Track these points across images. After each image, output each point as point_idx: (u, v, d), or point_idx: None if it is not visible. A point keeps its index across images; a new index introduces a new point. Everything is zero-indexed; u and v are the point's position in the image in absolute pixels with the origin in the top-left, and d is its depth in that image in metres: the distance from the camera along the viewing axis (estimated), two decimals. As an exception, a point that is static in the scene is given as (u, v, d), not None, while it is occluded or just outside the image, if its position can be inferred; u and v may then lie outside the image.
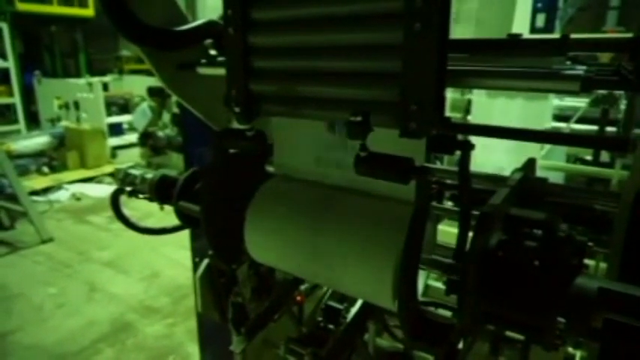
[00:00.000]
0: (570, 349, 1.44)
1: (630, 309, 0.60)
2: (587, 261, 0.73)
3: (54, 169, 6.78)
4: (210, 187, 0.99)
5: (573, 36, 0.70)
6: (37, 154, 6.84)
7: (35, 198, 5.60)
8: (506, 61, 0.76)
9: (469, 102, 3.00)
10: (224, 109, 0.92)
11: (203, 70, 1.17)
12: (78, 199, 6.05)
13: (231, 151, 0.98)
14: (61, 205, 5.83)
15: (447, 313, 0.98)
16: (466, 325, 0.74)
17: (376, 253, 0.76)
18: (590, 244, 0.72)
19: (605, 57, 2.43)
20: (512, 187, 0.78)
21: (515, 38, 0.76)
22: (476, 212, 0.78)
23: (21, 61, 9.10)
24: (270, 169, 1.01)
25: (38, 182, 6.26)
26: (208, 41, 1.19)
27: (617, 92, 2.51)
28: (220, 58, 1.17)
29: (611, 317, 0.60)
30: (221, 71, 0.98)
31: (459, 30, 2.56)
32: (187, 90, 1.30)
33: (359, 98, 0.74)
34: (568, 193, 0.90)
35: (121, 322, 3.36)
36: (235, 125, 0.96)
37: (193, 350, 2.80)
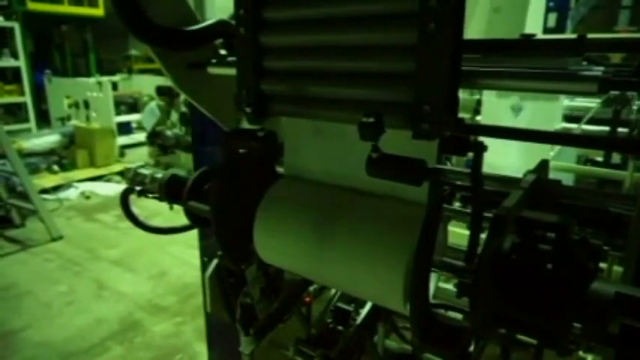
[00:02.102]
0: (581, 353, 1.43)
1: (648, 315, 0.58)
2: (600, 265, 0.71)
3: (64, 168, 6.83)
4: (220, 187, 0.99)
5: (590, 36, 0.69)
6: (48, 153, 6.90)
7: (45, 196, 5.65)
8: (520, 61, 0.75)
9: (478, 102, 2.98)
10: (234, 108, 0.92)
11: (213, 70, 1.17)
12: (87, 197, 6.10)
13: (241, 151, 0.98)
14: (70, 204, 5.88)
15: (458, 316, 0.97)
16: (477, 328, 0.73)
17: (387, 255, 0.75)
18: (605, 247, 0.71)
19: (616, 57, 2.39)
20: (525, 190, 0.77)
21: (530, 38, 0.75)
22: (488, 214, 0.77)
23: (32, 60, 9.19)
24: (280, 169, 1.01)
25: (48, 180, 6.31)
26: (219, 41, 1.19)
27: (630, 93, 2.47)
28: (231, 58, 1.17)
29: (628, 323, 0.59)
30: (231, 71, 0.98)
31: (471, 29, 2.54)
32: (197, 90, 1.30)
33: (371, 99, 0.73)
34: (582, 195, 0.89)
35: (129, 320, 3.38)
36: (245, 125, 0.96)
37: (201, 349, 2.80)
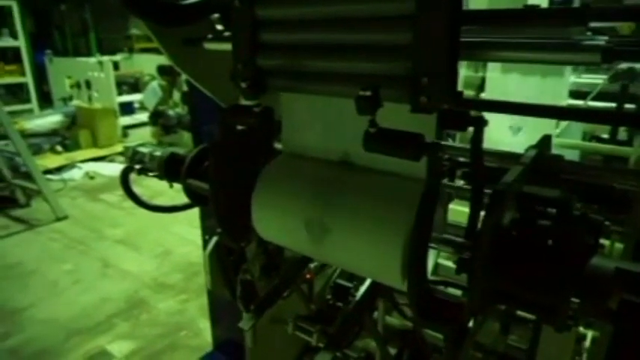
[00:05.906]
0: (582, 329, 1.43)
1: (647, 290, 0.58)
2: (602, 241, 0.71)
3: (67, 148, 6.83)
4: (218, 164, 0.98)
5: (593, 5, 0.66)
6: (50, 133, 6.89)
7: (49, 176, 5.67)
8: (523, 32, 0.72)
9: (483, 79, 2.93)
10: (232, 85, 0.91)
11: (210, 46, 1.14)
12: (91, 177, 6.12)
13: (239, 127, 0.97)
14: (74, 184, 5.91)
15: (458, 292, 0.98)
16: (476, 304, 0.72)
17: (385, 231, 0.75)
18: (606, 223, 0.70)
19: (624, 30, 2.33)
20: (526, 165, 0.76)
21: (533, 8, 0.72)
22: (488, 191, 0.76)
23: (32, 40, 9.09)
24: (278, 146, 1.00)
25: (52, 161, 6.33)
26: (215, 16, 1.16)
27: (638, 67, 2.42)
28: (227, 33, 1.14)
29: (627, 298, 0.59)
30: (228, 46, 0.96)
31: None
32: (195, 67, 1.28)
33: (368, 72, 0.72)
34: (585, 170, 0.88)
35: (134, 298, 3.43)
36: (243, 102, 0.94)
37: (205, 326, 2.84)
